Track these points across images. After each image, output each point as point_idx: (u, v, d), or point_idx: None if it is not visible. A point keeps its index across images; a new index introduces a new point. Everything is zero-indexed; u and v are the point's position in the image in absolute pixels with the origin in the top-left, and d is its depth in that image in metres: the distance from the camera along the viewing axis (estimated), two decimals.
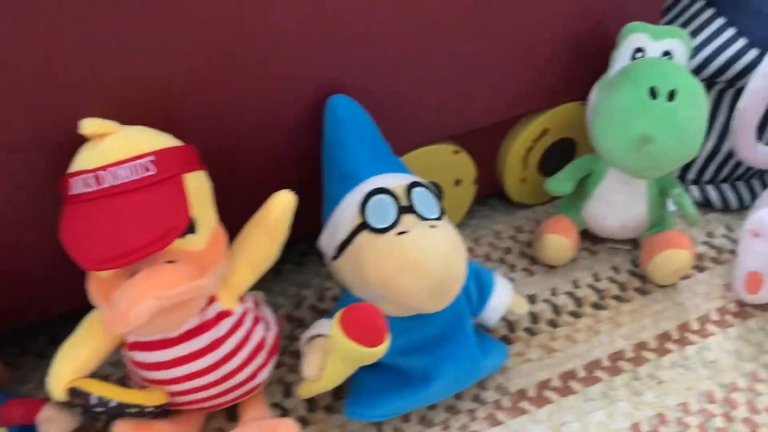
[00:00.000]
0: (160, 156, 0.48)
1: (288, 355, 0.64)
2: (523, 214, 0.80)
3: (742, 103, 0.69)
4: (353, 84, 0.60)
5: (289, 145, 0.60)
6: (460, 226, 0.78)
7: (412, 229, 0.51)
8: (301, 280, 0.72)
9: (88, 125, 0.47)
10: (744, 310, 0.69)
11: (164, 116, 0.52)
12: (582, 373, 0.63)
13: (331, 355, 0.50)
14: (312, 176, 0.61)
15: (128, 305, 0.44)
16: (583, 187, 0.72)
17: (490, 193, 0.79)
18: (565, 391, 0.62)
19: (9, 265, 0.54)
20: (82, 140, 0.49)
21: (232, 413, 0.60)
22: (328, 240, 0.57)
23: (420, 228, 0.51)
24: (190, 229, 0.48)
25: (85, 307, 0.52)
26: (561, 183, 0.70)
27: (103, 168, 0.46)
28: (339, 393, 0.61)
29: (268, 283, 0.67)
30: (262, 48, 0.54)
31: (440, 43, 0.62)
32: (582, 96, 0.74)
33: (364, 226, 0.53)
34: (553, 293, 0.71)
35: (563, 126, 0.76)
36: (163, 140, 0.49)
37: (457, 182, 0.73)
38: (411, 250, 0.50)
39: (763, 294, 0.66)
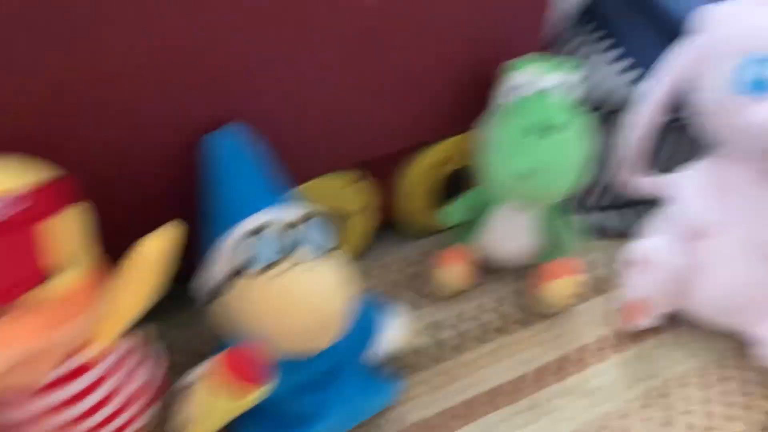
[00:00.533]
0: (15, 198, 0.45)
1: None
2: (423, 243, 0.81)
3: (627, 135, 0.71)
4: (243, 114, 0.59)
5: (177, 180, 0.58)
6: (361, 256, 0.77)
7: (293, 268, 0.50)
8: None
9: None
10: (629, 336, 0.70)
11: (37, 145, 0.49)
12: (462, 409, 0.63)
13: (209, 398, 0.49)
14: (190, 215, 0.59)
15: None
16: (478, 216, 0.72)
17: (391, 222, 0.79)
18: (469, 417, 0.62)
19: None
20: None
21: None
22: (203, 284, 0.56)
23: (301, 266, 0.50)
24: (52, 274, 0.45)
25: None
26: (453, 214, 0.71)
27: None
28: None
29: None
30: (135, 83, 0.52)
31: (335, 73, 0.62)
32: (477, 126, 0.74)
33: (242, 267, 0.52)
34: (459, 319, 0.71)
35: (461, 155, 0.76)
36: (18, 179, 0.46)
37: (360, 211, 0.72)
38: (289, 290, 0.49)
39: (644, 321, 0.68)
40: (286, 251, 0.52)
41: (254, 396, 0.47)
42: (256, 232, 0.53)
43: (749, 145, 0.60)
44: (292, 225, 0.54)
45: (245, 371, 0.46)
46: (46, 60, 0.49)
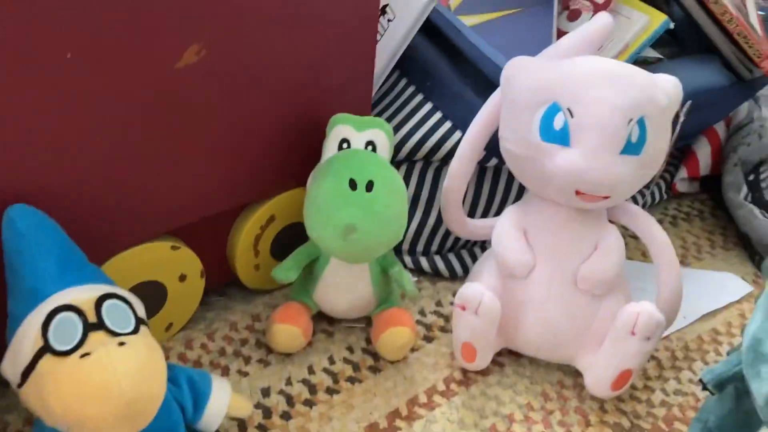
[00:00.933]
0: None
1: None
2: (262, 300, 0.79)
3: (447, 182, 0.74)
4: (41, 190, 0.56)
5: None
6: (194, 320, 0.75)
7: (98, 349, 0.48)
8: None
9: None
10: (467, 377, 0.72)
11: None
12: None
13: None
14: None
15: None
16: (311, 272, 0.72)
17: (227, 282, 0.77)
18: None
19: None
20: None
21: None
22: (11, 366, 0.52)
23: (106, 347, 0.48)
24: None
25: None
26: (286, 271, 0.70)
27: None
28: None
29: None
30: None
31: (145, 138, 0.60)
32: (304, 182, 0.75)
33: (46, 349, 0.49)
34: (288, 382, 0.70)
35: (290, 211, 0.76)
36: None
37: (183, 277, 0.70)
38: (94, 373, 0.47)
39: (478, 362, 0.70)
40: (96, 329, 0.49)
41: None
42: (59, 311, 0.50)
43: (556, 187, 0.64)
44: (99, 301, 0.51)
45: None
46: None
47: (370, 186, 0.62)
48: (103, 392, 0.46)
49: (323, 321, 0.76)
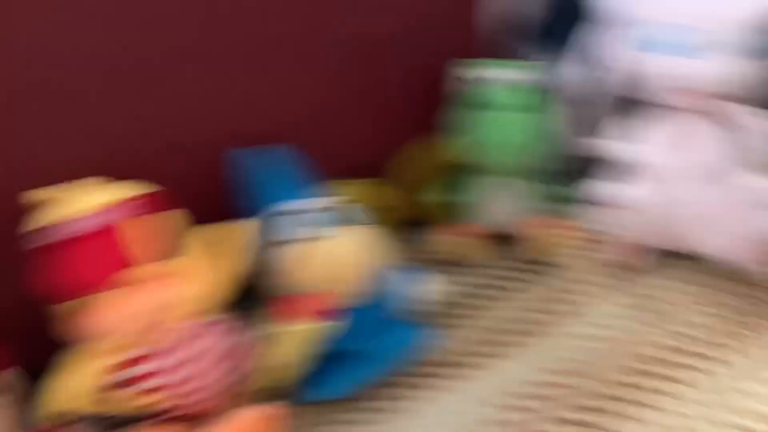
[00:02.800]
0: (106, 210, 0.60)
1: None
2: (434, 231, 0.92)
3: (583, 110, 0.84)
4: (272, 134, 0.73)
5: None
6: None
7: (329, 235, 0.65)
8: None
9: (35, 195, 0.59)
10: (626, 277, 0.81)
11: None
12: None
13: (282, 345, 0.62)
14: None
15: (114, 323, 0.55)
16: (468, 197, 0.85)
17: (402, 219, 0.90)
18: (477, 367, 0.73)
19: None
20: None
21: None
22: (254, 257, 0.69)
23: (335, 232, 0.65)
24: (155, 258, 0.59)
25: None
26: (433, 195, 0.86)
27: (59, 223, 0.58)
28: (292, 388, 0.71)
29: None
30: (182, 113, 0.67)
31: (343, 92, 0.78)
32: None
33: (282, 240, 0.66)
34: (459, 285, 0.82)
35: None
36: (110, 195, 0.61)
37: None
38: (329, 250, 0.64)
39: (636, 261, 0.79)
40: (313, 226, 0.65)
41: (322, 332, 0.59)
42: (290, 214, 0.67)
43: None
44: (316, 207, 0.68)
45: (310, 310, 0.59)
46: None
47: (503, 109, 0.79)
48: (338, 261, 0.63)
49: (483, 238, 0.88)
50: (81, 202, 0.60)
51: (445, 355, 0.74)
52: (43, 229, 0.58)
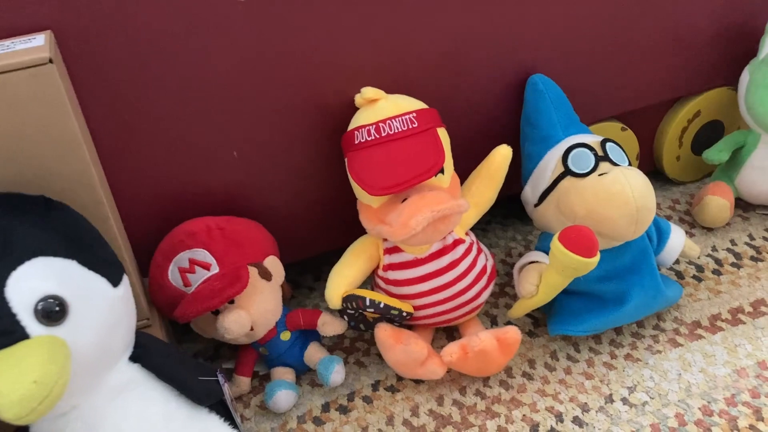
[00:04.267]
0: (420, 113, 0.63)
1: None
2: (678, 189, 0.91)
3: None
4: (544, 67, 0.74)
5: (496, 113, 0.74)
6: None
7: (613, 170, 0.64)
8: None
9: (368, 92, 0.63)
10: None
11: (413, 89, 0.67)
12: (749, 309, 0.73)
13: (549, 271, 0.63)
14: (510, 141, 0.74)
15: (409, 217, 0.58)
16: (735, 159, 0.82)
17: (648, 171, 0.90)
18: (735, 322, 0.72)
19: (293, 210, 0.71)
20: (345, 108, 0.65)
21: (450, 335, 0.73)
22: (531, 190, 0.71)
23: (618, 169, 0.64)
24: (440, 170, 0.62)
25: (341, 248, 0.68)
26: (718, 153, 0.81)
27: (382, 121, 0.62)
28: (537, 322, 0.74)
29: None
30: (479, 39, 0.69)
31: (612, 33, 0.75)
32: (730, 82, 0.85)
33: (566, 173, 0.66)
34: (714, 249, 0.81)
35: (713, 108, 0.87)
36: (418, 103, 0.65)
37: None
38: (613, 185, 0.63)
39: None
40: (604, 160, 0.66)
41: (588, 265, 0.60)
42: (574, 148, 0.67)
43: None
44: (603, 143, 0.67)
45: (582, 244, 0.60)
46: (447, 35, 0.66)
47: None
48: (620, 198, 0.62)
49: (738, 207, 0.85)
50: (401, 104, 0.63)
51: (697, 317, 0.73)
52: (370, 125, 0.62)
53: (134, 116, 0.60)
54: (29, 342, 0.44)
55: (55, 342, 0.44)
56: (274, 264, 0.66)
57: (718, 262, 0.79)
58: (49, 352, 0.43)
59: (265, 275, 0.64)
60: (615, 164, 0.66)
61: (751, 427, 0.61)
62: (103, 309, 0.48)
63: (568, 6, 0.72)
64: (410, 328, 0.70)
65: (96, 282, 0.48)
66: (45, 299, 0.45)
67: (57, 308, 0.45)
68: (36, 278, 0.45)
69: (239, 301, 0.63)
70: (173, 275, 0.62)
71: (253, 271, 0.63)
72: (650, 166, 0.90)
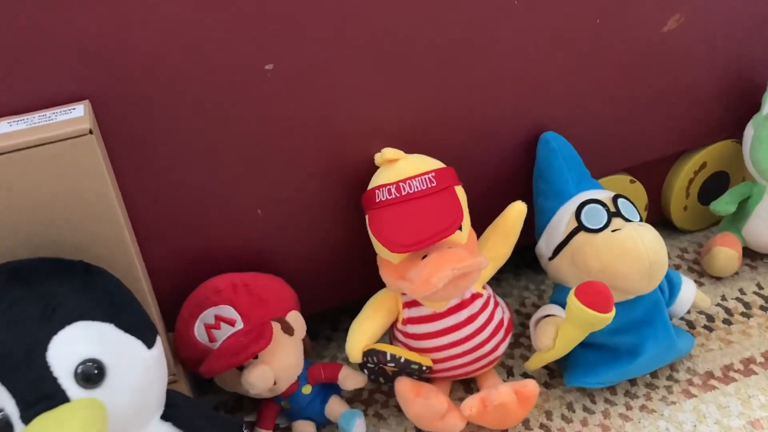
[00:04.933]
0: (438, 172, 0.65)
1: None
2: (686, 238, 0.93)
3: None
4: (555, 124, 0.77)
5: (509, 170, 0.76)
6: None
7: (625, 226, 0.66)
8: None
9: (388, 152, 0.65)
10: None
11: (430, 148, 0.69)
12: (760, 359, 0.74)
13: (565, 325, 0.65)
14: (523, 196, 0.76)
15: (430, 274, 0.60)
16: (741, 210, 0.85)
17: (656, 220, 0.92)
18: (748, 373, 0.73)
19: (314, 264, 0.73)
20: (365, 166, 0.67)
21: (468, 387, 0.74)
22: (545, 244, 0.73)
23: (630, 225, 0.66)
24: (461, 226, 0.65)
25: (359, 299, 0.70)
26: (725, 205, 0.83)
27: (402, 181, 0.64)
28: (552, 374, 0.75)
29: None
30: (494, 99, 0.72)
31: (620, 89, 0.78)
32: (734, 135, 0.87)
33: (579, 228, 0.68)
34: (723, 299, 0.83)
35: (718, 160, 0.89)
36: (437, 163, 0.67)
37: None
38: (626, 241, 0.65)
39: None
40: (616, 216, 0.68)
41: (604, 320, 0.62)
42: (587, 204, 0.69)
43: None
44: (615, 198, 0.70)
45: (598, 300, 0.61)
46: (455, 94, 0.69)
47: None
48: (633, 254, 0.64)
49: (746, 256, 0.87)
50: (419, 164, 0.65)
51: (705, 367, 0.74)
52: (391, 184, 0.64)
53: (162, 178, 0.62)
54: (70, 405, 0.45)
55: (94, 404, 0.46)
56: (296, 319, 0.67)
57: (728, 311, 0.81)
58: (89, 415, 0.45)
59: (288, 330, 0.66)
60: (627, 220, 0.68)
61: None
62: (139, 370, 0.49)
63: (577, 66, 0.75)
64: (429, 380, 0.71)
65: (132, 344, 0.49)
66: (84, 362, 0.46)
67: (96, 371, 0.46)
68: (76, 342, 0.47)
69: (263, 356, 0.64)
70: (199, 331, 0.64)
71: (276, 327, 0.64)
72: (658, 215, 0.92)
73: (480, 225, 0.70)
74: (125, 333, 0.49)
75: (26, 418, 0.44)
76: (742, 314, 0.80)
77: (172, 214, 0.64)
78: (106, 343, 0.48)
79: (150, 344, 0.51)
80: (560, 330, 0.66)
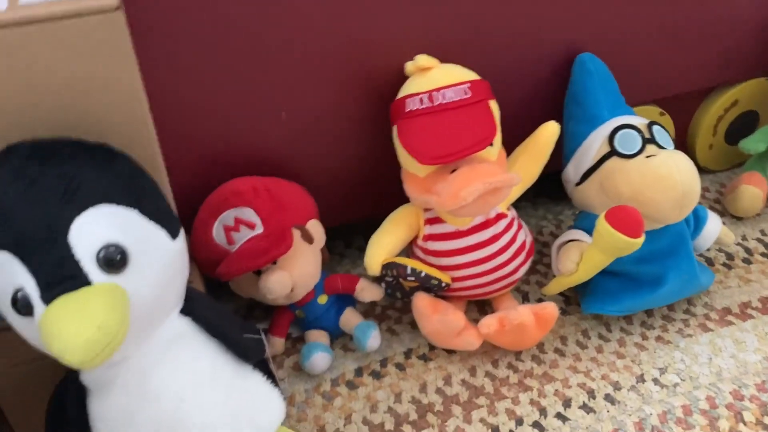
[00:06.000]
0: (474, 84, 0.63)
1: None
2: (707, 178, 0.91)
3: None
4: (590, 46, 0.74)
5: (543, 90, 0.74)
6: None
7: (660, 153, 0.64)
8: None
9: (422, 59, 0.63)
10: None
11: (462, 60, 0.67)
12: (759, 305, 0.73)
13: (591, 249, 0.63)
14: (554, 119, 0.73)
15: (460, 187, 0.58)
16: None
17: None
18: (766, 311, 0.72)
19: (335, 175, 0.71)
20: (393, 77, 0.65)
21: (483, 309, 0.74)
22: (574, 169, 0.71)
23: (666, 152, 0.64)
24: (493, 141, 0.62)
25: (377, 217, 0.68)
26: (755, 143, 0.81)
27: (436, 90, 0.61)
28: (568, 301, 0.74)
29: None
30: (531, 14, 0.69)
31: (657, 16, 0.75)
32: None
33: (612, 153, 0.66)
34: (744, 238, 0.82)
35: (751, 98, 0.87)
36: (472, 74, 0.64)
37: None
38: (661, 168, 0.63)
39: None
40: (651, 142, 0.66)
41: (633, 245, 0.60)
42: (621, 128, 0.67)
43: None
44: (650, 125, 0.67)
45: (628, 224, 0.60)
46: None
47: None
48: (666, 181, 0.62)
49: None
50: (454, 74, 0.63)
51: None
52: (424, 93, 0.61)
53: (185, 72, 0.60)
54: (92, 288, 0.44)
55: (116, 290, 0.44)
56: (316, 227, 0.66)
57: (748, 251, 0.80)
58: (111, 300, 0.44)
59: (308, 238, 0.64)
60: (661, 147, 0.66)
61: None
62: (162, 261, 0.48)
63: None
64: (444, 299, 0.70)
65: (156, 233, 0.48)
66: (107, 247, 0.44)
67: (119, 257, 0.45)
68: (99, 226, 0.45)
69: (281, 262, 0.63)
70: (217, 232, 0.62)
71: (296, 234, 0.63)
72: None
73: (509, 145, 0.68)
74: (150, 221, 0.47)
75: (47, 299, 0.43)
76: (762, 254, 0.79)
77: (192, 110, 0.62)
78: (130, 230, 0.46)
79: (174, 235, 0.49)
80: (585, 254, 0.64)
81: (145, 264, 0.46)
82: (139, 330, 0.48)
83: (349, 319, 0.69)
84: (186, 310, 0.52)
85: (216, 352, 0.53)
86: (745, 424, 0.61)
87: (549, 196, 0.88)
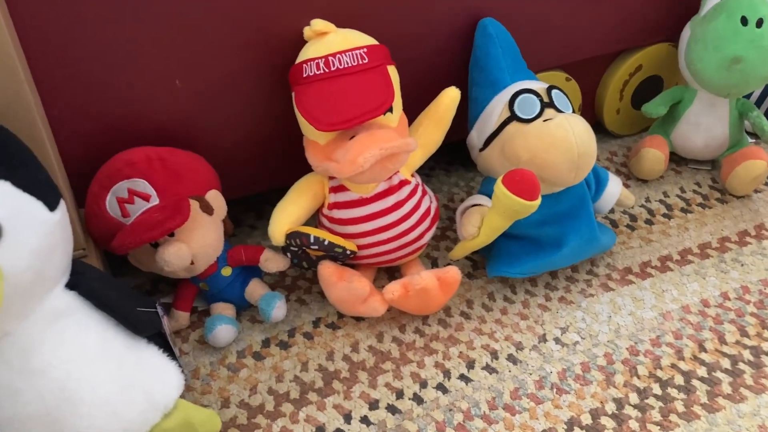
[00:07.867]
0: (371, 49, 0.62)
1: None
2: (616, 142, 0.94)
3: None
4: (493, 11, 0.74)
5: (445, 56, 0.74)
6: None
7: (557, 116, 0.65)
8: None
9: (318, 24, 0.62)
10: None
11: (362, 25, 0.66)
12: (676, 257, 0.76)
13: (491, 213, 0.64)
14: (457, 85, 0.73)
15: (357, 154, 0.58)
16: (672, 114, 0.85)
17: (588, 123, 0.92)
18: (664, 269, 0.75)
19: (237, 145, 0.69)
20: (292, 42, 0.64)
21: (392, 276, 0.74)
22: (477, 135, 0.71)
23: (562, 116, 0.65)
24: (389, 108, 0.62)
25: (285, 187, 0.67)
26: (656, 107, 0.84)
27: (332, 55, 0.61)
28: (475, 265, 0.75)
29: None
30: None
31: None
32: (671, 38, 0.87)
33: (512, 118, 0.67)
34: (647, 200, 0.84)
35: (654, 64, 0.89)
36: (369, 39, 0.64)
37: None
38: (557, 131, 0.64)
39: None
40: (549, 106, 0.67)
41: (529, 207, 0.61)
42: (521, 93, 0.68)
43: None
44: (549, 89, 0.68)
45: (524, 187, 0.61)
46: None
47: (759, 23, 0.72)
48: (563, 144, 0.63)
49: (672, 162, 0.88)
50: (351, 39, 0.62)
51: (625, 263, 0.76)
52: (319, 58, 0.60)
53: (73, 39, 0.57)
54: None
55: None
56: (216, 198, 0.65)
57: (650, 212, 0.82)
58: None
59: (207, 209, 0.63)
60: (560, 111, 0.67)
61: (673, 365, 0.65)
62: (39, 233, 0.46)
63: None
64: (353, 267, 0.70)
65: (31, 204, 0.46)
66: None
67: None
68: None
69: (179, 234, 0.62)
70: (111, 205, 0.61)
71: (194, 204, 0.62)
72: (591, 118, 0.92)
73: (412, 112, 0.68)
74: (23, 192, 0.46)
75: None
76: (664, 215, 0.82)
77: (82, 78, 0.59)
78: (2, 202, 0.44)
79: (52, 206, 0.47)
80: (486, 218, 0.65)
81: (20, 236, 0.45)
82: (19, 305, 0.46)
83: (255, 290, 0.68)
84: (71, 284, 0.50)
85: (105, 326, 0.51)
86: (639, 377, 0.63)
87: (461, 164, 0.89)
